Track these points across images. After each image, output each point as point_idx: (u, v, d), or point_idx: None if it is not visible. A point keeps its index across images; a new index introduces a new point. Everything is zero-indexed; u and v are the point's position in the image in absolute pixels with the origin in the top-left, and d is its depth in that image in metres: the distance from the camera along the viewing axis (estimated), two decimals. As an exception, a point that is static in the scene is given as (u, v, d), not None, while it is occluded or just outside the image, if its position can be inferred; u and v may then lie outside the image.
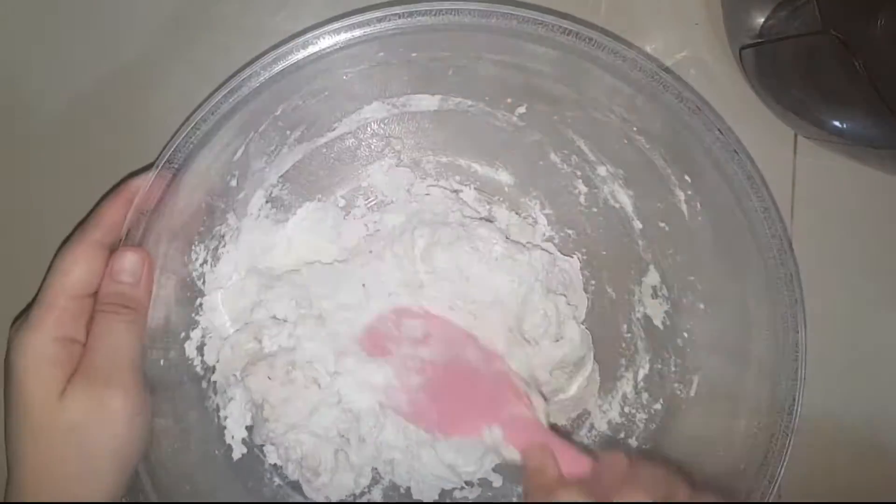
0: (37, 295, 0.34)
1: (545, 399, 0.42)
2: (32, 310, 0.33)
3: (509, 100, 0.42)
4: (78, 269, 0.33)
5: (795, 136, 0.45)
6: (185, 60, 0.43)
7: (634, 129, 0.39)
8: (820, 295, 0.45)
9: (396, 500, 0.44)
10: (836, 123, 0.40)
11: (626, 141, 0.40)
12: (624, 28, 0.43)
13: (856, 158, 0.42)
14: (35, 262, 0.37)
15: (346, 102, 0.41)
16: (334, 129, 0.43)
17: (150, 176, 0.34)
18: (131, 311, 0.34)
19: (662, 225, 0.42)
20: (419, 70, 0.40)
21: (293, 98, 0.38)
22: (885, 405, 0.47)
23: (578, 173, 0.44)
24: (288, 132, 0.41)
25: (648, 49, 0.44)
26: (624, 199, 0.44)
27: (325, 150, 0.43)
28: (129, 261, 0.34)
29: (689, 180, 0.39)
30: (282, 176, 0.43)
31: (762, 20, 0.39)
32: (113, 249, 0.34)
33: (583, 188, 0.45)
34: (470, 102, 0.43)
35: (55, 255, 0.34)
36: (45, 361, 0.32)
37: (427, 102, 0.43)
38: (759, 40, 0.40)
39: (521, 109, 0.42)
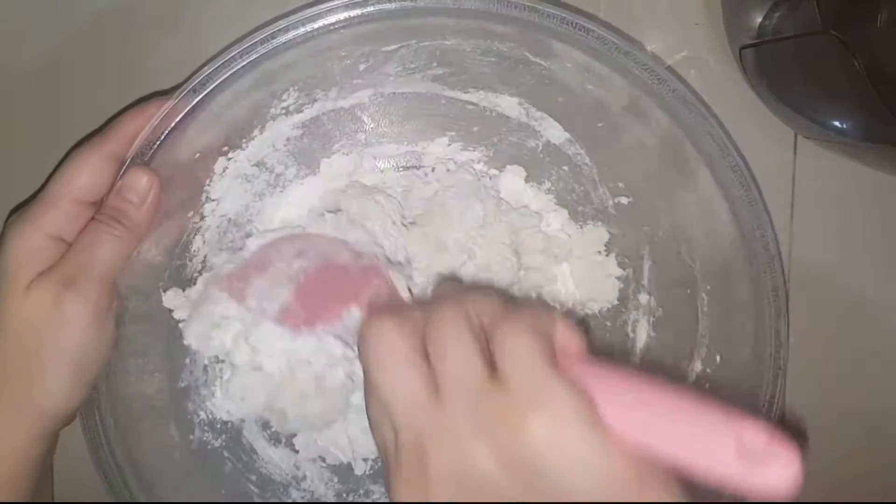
0: (38, 191, 0.34)
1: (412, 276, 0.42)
2: (33, 205, 0.33)
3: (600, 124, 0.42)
4: (85, 176, 0.33)
5: (795, 136, 0.45)
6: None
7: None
8: (819, 295, 0.45)
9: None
10: (836, 123, 0.39)
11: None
12: (623, 28, 0.43)
13: (856, 158, 0.42)
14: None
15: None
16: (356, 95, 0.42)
17: (174, 98, 0.34)
18: (125, 229, 0.34)
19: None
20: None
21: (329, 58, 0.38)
22: (884, 406, 0.47)
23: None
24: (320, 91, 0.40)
25: (648, 49, 0.44)
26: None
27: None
28: (139, 181, 0.34)
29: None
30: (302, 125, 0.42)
31: (762, 20, 0.39)
32: (124, 163, 0.34)
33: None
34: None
35: (65, 156, 0.34)
36: (29, 253, 0.33)
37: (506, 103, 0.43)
38: (759, 40, 0.40)
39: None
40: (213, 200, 0.41)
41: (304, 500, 0.43)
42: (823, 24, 0.34)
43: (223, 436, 0.42)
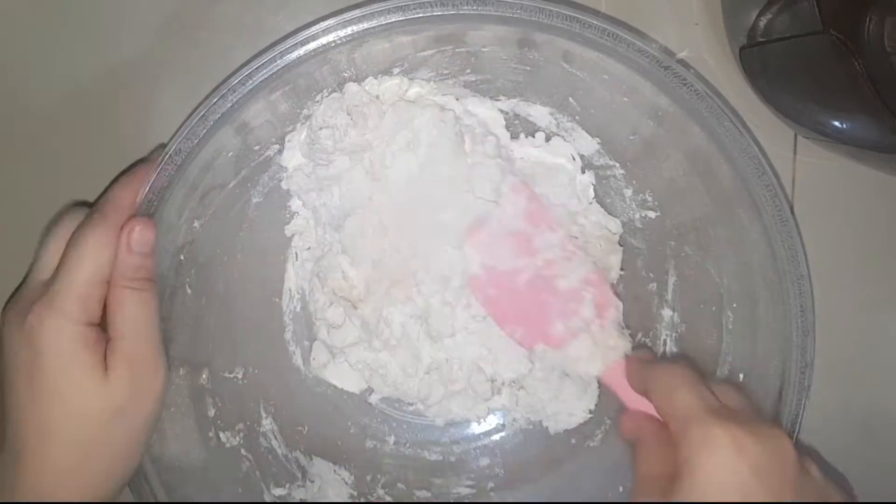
0: (54, 275, 0.34)
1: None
2: (50, 294, 0.33)
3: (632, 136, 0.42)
4: (98, 255, 0.34)
5: (795, 136, 0.45)
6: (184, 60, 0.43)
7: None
8: (819, 295, 0.44)
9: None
10: (836, 123, 0.40)
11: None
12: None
13: (856, 159, 0.42)
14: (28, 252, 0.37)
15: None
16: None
17: (163, 156, 0.35)
18: (149, 281, 0.34)
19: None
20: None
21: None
22: (884, 406, 0.47)
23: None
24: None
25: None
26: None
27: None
28: (139, 233, 0.34)
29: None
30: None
31: (762, 20, 0.39)
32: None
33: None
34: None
35: (71, 238, 0.34)
36: (81, 346, 0.33)
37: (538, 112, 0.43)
38: (759, 40, 0.40)
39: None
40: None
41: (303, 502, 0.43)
42: (823, 24, 0.34)
43: (241, 435, 0.42)
